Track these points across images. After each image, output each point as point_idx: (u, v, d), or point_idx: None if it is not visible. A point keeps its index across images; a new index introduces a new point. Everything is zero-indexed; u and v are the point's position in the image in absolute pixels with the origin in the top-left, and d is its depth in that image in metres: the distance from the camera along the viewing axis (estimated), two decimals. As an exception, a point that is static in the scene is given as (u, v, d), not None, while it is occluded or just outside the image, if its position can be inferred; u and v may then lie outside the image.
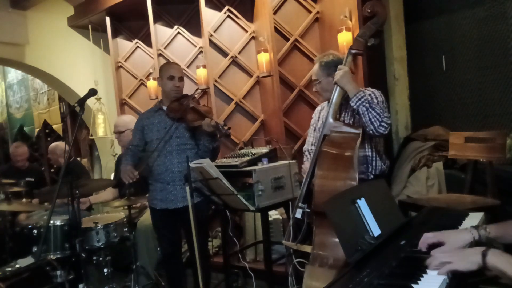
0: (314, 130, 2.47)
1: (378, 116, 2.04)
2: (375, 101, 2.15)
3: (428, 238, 1.31)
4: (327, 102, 2.32)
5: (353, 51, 2.14)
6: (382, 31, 2.16)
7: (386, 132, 2.08)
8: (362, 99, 2.05)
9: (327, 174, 1.95)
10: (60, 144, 4.49)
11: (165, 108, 2.71)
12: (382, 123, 2.04)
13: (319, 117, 2.44)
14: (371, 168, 2.22)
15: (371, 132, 2.08)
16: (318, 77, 2.30)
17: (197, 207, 2.32)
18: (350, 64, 2.16)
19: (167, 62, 2.94)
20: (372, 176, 2.22)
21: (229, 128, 2.48)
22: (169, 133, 2.60)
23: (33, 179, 4.50)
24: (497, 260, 1.12)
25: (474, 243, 1.25)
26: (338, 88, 2.13)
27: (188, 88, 3.75)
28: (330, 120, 2.11)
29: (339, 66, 2.15)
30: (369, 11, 2.13)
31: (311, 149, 2.45)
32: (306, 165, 2.34)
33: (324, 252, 1.81)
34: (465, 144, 2.78)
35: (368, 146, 2.22)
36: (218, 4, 3.97)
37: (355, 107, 2.07)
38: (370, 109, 2.04)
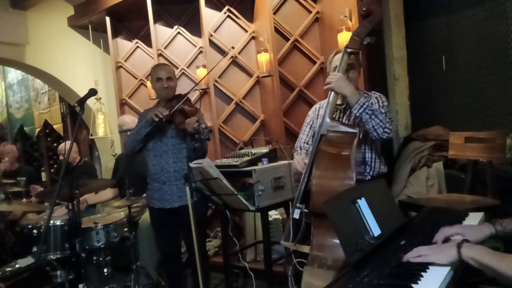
0: (310, 128, 2.45)
1: (381, 123, 2.04)
2: (380, 104, 2.17)
3: (446, 231, 1.32)
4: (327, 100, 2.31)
5: (349, 50, 2.13)
6: (380, 30, 2.14)
7: (390, 137, 2.09)
8: (365, 106, 2.04)
9: (325, 174, 1.94)
10: (67, 143, 4.47)
11: None
12: (386, 129, 2.05)
13: (317, 116, 2.42)
14: (369, 169, 2.22)
15: (374, 138, 2.09)
16: None
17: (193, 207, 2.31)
18: (345, 63, 2.14)
19: (156, 64, 2.93)
20: (369, 177, 2.22)
21: (210, 131, 2.52)
22: (163, 133, 2.62)
23: (24, 178, 4.49)
24: (472, 251, 1.14)
25: (493, 238, 1.27)
26: (333, 94, 2.12)
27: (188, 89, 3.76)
28: (327, 119, 2.11)
29: (332, 73, 2.14)
30: (364, 9, 2.12)
31: (303, 146, 2.44)
32: (299, 159, 2.28)
33: (323, 253, 1.80)
34: (465, 144, 2.78)
35: (368, 148, 2.22)
36: (218, 4, 3.97)
37: (357, 114, 2.06)
38: (373, 116, 2.04)
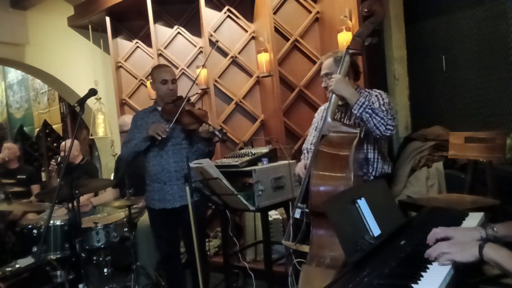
0: (315, 130, 2.46)
1: (382, 121, 2.02)
2: (381, 102, 2.15)
3: (436, 233, 1.32)
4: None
5: (351, 51, 2.12)
6: (381, 30, 2.13)
7: (393, 133, 2.08)
8: (364, 105, 2.03)
9: (323, 174, 1.93)
10: (67, 142, 4.46)
11: (159, 109, 2.72)
12: (388, 126, 2.03)
13: (322, 117, 2.42)
14: (372, 169, 2.22)
15: (378, 136, 2.07)
16: (332, 71, 2.22)
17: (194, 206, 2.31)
18: (347, 64, 2.14)
19: (158, 65, 2.92)
20: (372, 178, 2.21)
21: (225, 133, 2.51)
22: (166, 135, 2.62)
23: (24, 177, 4.50)
24: (493, 252, 1.15)
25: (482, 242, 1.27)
26: (334, 94, 2.12)
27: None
28: (329, 120, 2.10)
29: (333, 75, 2.13)
30: (366, 10, 2.10)
31: (311, 148, 2.44)
32: (301, 163, 2.31)
33: (322, 252, 1.80)
34: (465, 144, 2.78)
35: (371, 148, 2.21)
36: (218, 4, 3.97)
37: (358, 114, 2.05)
38: (374, 115, 2.02)
